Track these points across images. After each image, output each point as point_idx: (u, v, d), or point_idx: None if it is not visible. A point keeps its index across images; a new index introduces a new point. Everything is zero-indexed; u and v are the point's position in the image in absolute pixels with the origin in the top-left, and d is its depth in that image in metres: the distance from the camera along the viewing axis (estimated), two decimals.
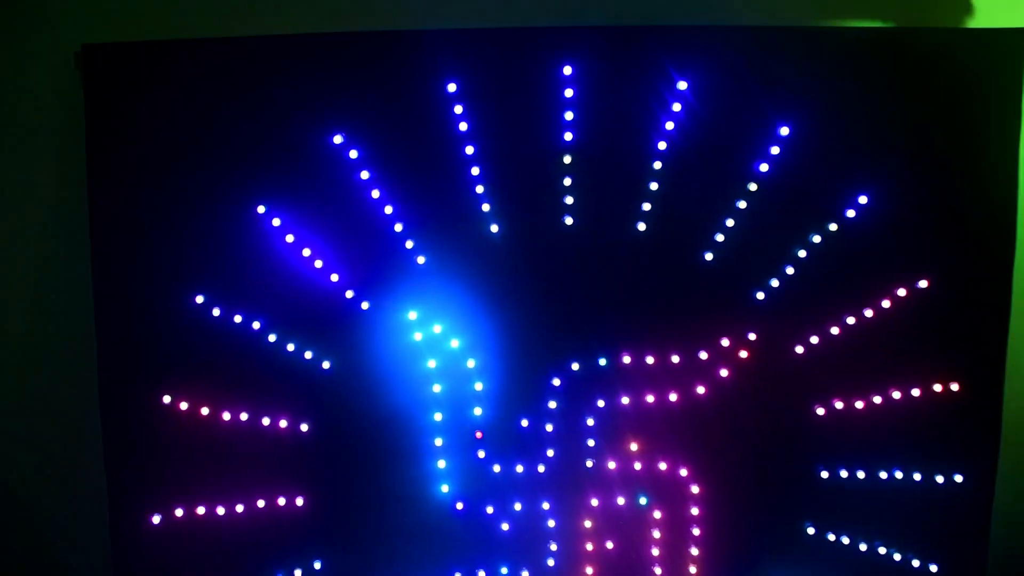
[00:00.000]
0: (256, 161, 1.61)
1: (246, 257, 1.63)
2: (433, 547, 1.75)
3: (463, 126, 1.61)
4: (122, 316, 1.62)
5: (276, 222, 1.63)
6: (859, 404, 1.77)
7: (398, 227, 1.65)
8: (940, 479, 1.79)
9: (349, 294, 1.66)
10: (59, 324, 1.72)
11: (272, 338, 1.66)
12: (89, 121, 1.58)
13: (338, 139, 1.61)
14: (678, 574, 1.81)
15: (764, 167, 1.66)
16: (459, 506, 1.75)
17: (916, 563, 1.82)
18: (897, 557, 1.82)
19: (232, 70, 1.59)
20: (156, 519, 1.65)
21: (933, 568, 1.82)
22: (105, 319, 1.61)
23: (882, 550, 1.82)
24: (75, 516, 1.75)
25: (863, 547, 1.82)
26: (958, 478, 1.78)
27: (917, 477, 1.79)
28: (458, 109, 1.60)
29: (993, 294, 1.72)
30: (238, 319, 1.64)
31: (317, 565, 1.72)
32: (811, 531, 1.82)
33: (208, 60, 1.58)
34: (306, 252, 1.64)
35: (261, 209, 1.62)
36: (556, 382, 1.73)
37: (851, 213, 1.69)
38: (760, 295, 1.72)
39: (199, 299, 1.63)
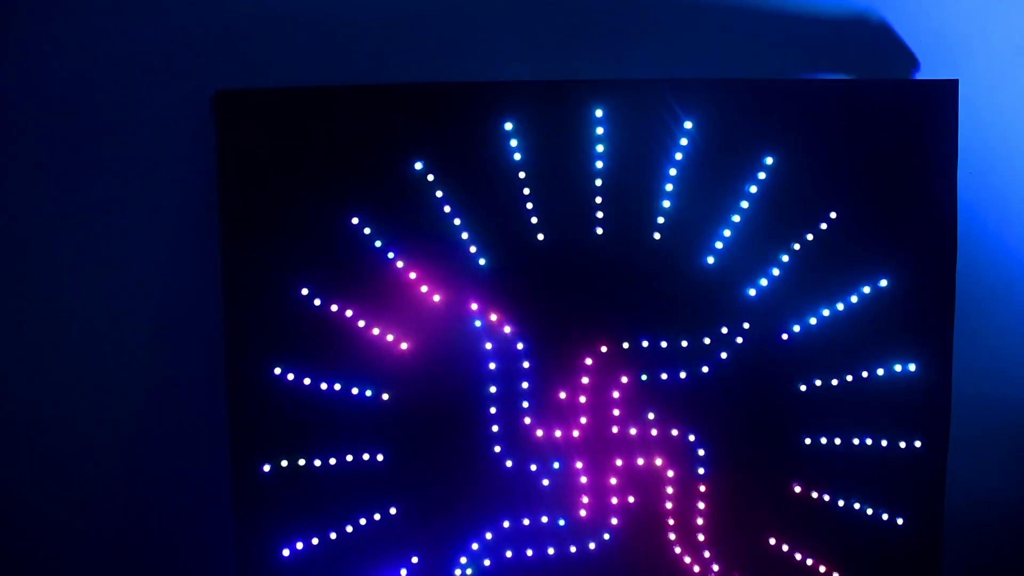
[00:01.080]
0: (352, 183, 2.00)
1: (342, 258, 2.00)
2: (486, 498, 2.08)
3: (517, 156, 2.02)
4: (244, 305, 1.99)
5: (367, 231, 2.03)
6: (834, 382, 2.11)
7: (464, 235, 2.04)
8: (903, 444, 2.14)
9: (424, 289, 2.05)
10: (190, 318, 2.10)
11: (361, 324, 2.04)
12: (221, 151, 1.99)
13: (418, 166, 2.02)
14: (687, 524, 2.15)
15: (753, 189, 2.06)
16: (508, 464, 2.10)
17: (885, 516, 2.15)
18: (869, 511, 2.15)
19: (335, 112, 2.00)
20: (267, 467, 2.03)
21: (899, 520, 2.16)
22: (231, 308, 2.00)
23: (856, 505, 2.16)
24: (198, 467, 2.12)
25: (841, 503, 2.16)
26: (917, 443, 2.13)
27: (884, 443, 2.13)
28: (513, 143, 2.02)
29: (940, 290, 2.08)
30: (334, 308, 2.03)
31: (392, 511, 2.08)
32: (798, 489, 2.15)
33: (317, 104, 1.99)
34: (391, 255, 2.04)
35: (356, 220, 2.02)
36: (588, 361, 2.09)
37: (824, 226, 2.08)
38: (752, 292, 2.09)
39: (304, 291, 2.02)
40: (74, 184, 2.06)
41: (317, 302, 2.02)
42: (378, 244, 2.02)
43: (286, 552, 2.04)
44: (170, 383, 2.10)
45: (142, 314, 2.09)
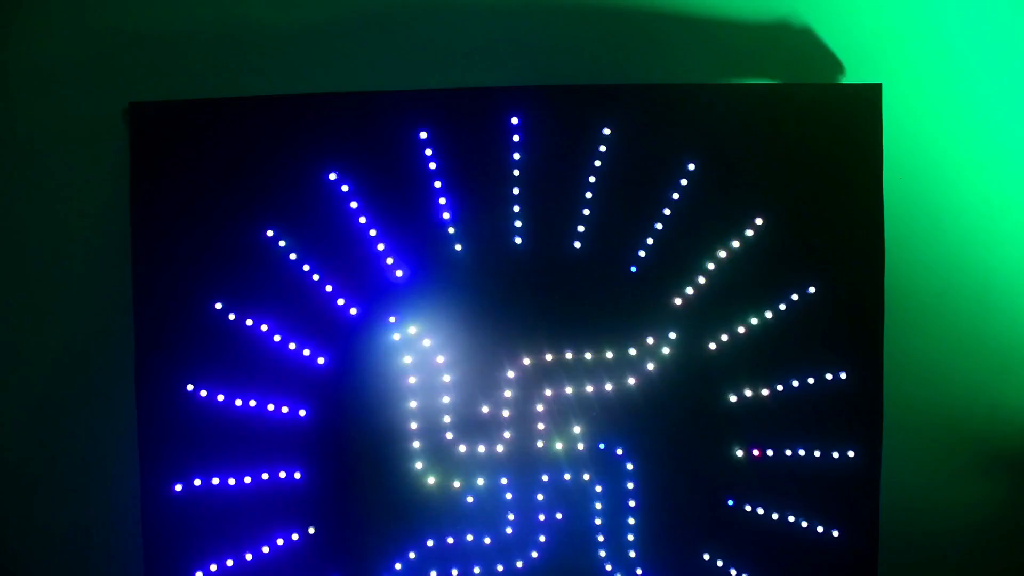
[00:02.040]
0: (266, 194, 1.96)
1: (257, 271, 1.97)
2: (409, 516, 2.03)
3: (432, 165, 1.98)
4: (156, 320, 1.96)
5: (282, 243, 1.99)
6: (764, 392, 2.08)
7: (380, 247, 2.00)
8: (836, 455, 2.09)
9: (340, 301, 2.01)
10: (102, 329, 2.06)
11: (277, 338, 2.00)
12: (134, 162, 1.96)
13: (332, 176, 1.98)
14: (618, 541, 2.11)
15: (676, 195, 2.03)
16: (431, 481, 2.05)
17: (820, 529, 2.12)
18: (804, 524, 2.11)
19: (248, 123, 1.96)
20: (178, 487, 1.97)
21: (835, 533, 2.11)
22: (142, 322, 1.96)
23: (791, 518, 2.12)
24: (110, 488, 2.06)
25: (775, 516, 2.12)
26: (851, 453, 2.09)
27: (817, 454, 2.09)
28: (428, 152, 1.99)
29: (869, 298, 2.05)
30: (249, 322, 1.99)
31: (311, 530, 2.02)
32: (731, 503, 2.11)
33: (230, 115, 1.96)
34: (306, 267, 1.99)
35: (270, 233, 1.98)
36: (511, 374, 2.04)
37: (749, 232, 2.05)
38: (678, 301, 2.06)
39: (218, 306, 1.98)
40: None
41: (231, 316, 1.98)
42: (293, 257, 1.98)
43: (199, 575, 1.98)
44: (80, 399, 2.05)
45: (52, 327, 2.04)
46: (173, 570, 1.97)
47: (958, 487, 2.25)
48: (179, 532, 1.97)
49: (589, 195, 2.00)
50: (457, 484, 2.05)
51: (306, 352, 1.99)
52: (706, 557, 2.11)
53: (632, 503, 2.09)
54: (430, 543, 2.06)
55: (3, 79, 2.00)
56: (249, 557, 2.00)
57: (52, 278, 2.03)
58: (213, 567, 1.99)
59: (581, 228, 2.01)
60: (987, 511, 2.26)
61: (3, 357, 2.05)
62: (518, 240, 2.01)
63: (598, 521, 2.09)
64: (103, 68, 1.99)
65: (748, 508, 2.10)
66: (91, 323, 2.04)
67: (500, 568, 2.08)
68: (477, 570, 2.07)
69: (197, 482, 1.97)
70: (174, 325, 1.96)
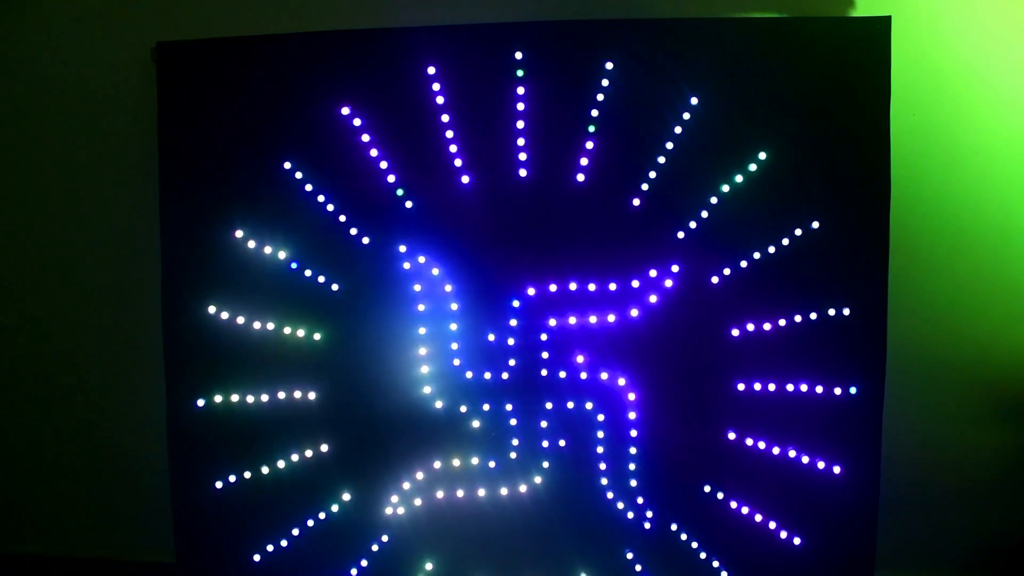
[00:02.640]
0: (283, 129, 2.06)
1: (275, 202, 2.09)
2: (417, 438, 2.13)
3: (440, 100, 2.06)
4: (181, 247, 2.09)
5: (298, 175, 2.09)
6: (767, 326, 2.09)
7: (391, 178, 2.09)
8: (838, 391, 2.10)
9: (353, 231, 2.10)
10: (131, 255, 2.21)
11: (294, 265, 2.11)
12: (161, 99, 2.09)
13: (345, 111, 2.07)
14: (619, 470, 2.17)
15: (678, 129, 2.05)
16: (438, 404, 2.13)
17: (821, 464, 2.13)
18: (805, 460, 2.14)
19: (266, 60, 2.06)
20: (201, 402, 2.12)
21: (836, 469, 2.12)
22: (167, 248, 2.09)
23: (792, 453, 2.14)
24: (137, 402, 2.22)
25: (776, 451, 2.15)
26: (853, 390, 2.09)
27: (819, 390, 2.10)
28: (436, 86, 2.05)
29: (873, 232, 2.04)
30: (268, 250, 2.11)
31: (324, 447, 2.15)
32: (732, 436, 2.14)
33: (250, 53, 2.07)
34: (320, 198, 2.10)
35: (287, 165, 2.09)
36: (516, 303, 2.10)
37: (753, 167, 2.06)
38: (680, 234, 2.09)
39: (238, 234, 2.10)
40: (23, 135, 2.18)
41: (251, 244, 2.09)
42: (308, 188, 2.08)
43: (219, 484, 2.12)
44: (111, 320, 2.20)
45: (86, 254, 2.20)
46: (196, 480, 2.11)
47: (970, 433, 2.23)
48: (201, 445, 2.11)
49: (592, 128, 2.04)
50: (464, 409, 2.13)
51: (321, 279, 2.09)
52: (707, 489, 2.15)
53: (634, 433, 2.14)
54: (437, 465, 2.15)
55: (40, 27, 2.14)
56: (266, 470, 2.12)
57: (85, 208, 2.18)
58: (232, 478, 2.12)
59: (584, 161, 2.05)
60: (1000, 460, 2.24)
61: (43, 279, 2.21)
62: (523, 172, 2.06)
63: (600, 450, 2.14)
64: (133, 9, 2.12)
65: (749, 442, 2.12)
66: (121, 250, 2.18)
67: (504, 492, 2.15)
68: (482, 492, 2.15)
69: (218, 399, 2.10)
70: (198, 252, 2.09)
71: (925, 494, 2.25)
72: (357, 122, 2.06)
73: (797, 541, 2.15)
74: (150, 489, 2.21)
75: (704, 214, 2.07)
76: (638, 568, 2.18)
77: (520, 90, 2.04)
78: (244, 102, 2.07)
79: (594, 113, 2.04)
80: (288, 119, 2.07)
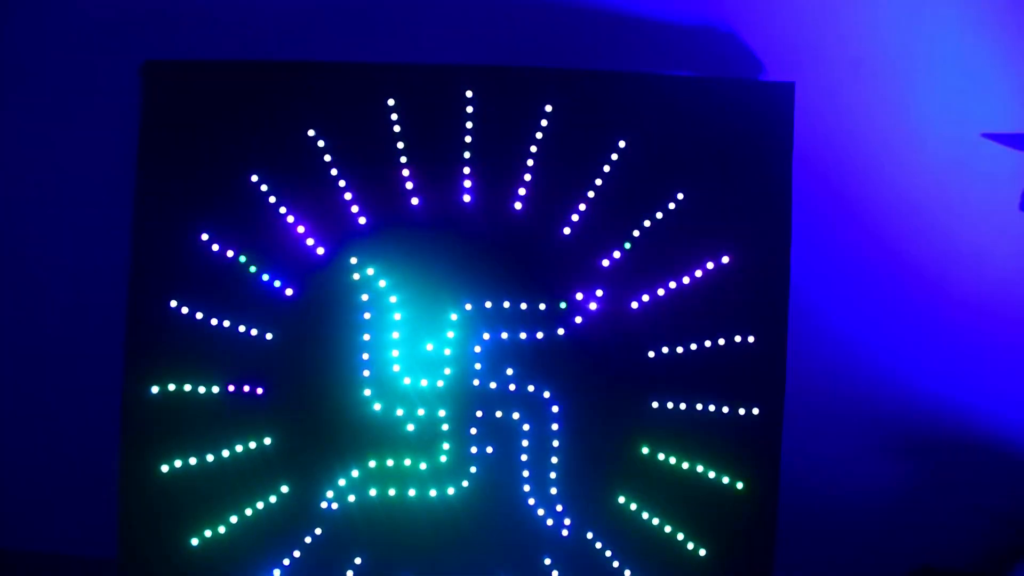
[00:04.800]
0: (255, 145, 2.28)
1: (240, 210, 2.27)
2: (355, 437, 2.28)
3: (396, 128, 2.30)
4: (150, 245, 2.26)
5: (264, 187, 2.30)
6: (680, 350, 2.31)
7: (348, 196, 2.30)
8: (741, 411, 2.30)
9: (310, 242, 2.30)
10: (103, 257, 2.38)
11: (253, 269, 2.30)
12: (144, 112, 2.30)
13: (311, 132, 2.30)
14: (541, 478, 2.32)
15: (607, 168, 2.30)
16: (376, 407, 2.29)
17: (726, 480, 2.32)
18: (712, 475, 2.32)
19: (245, 83, 2.28)
20: (155, 389, 2.27)
21: (739, 485, 2.32)
22: (138, 246, 2.26)
23: (700, 468, 2.33)
24: (94, 385, 2.36)
25: (685, 466, 2.34)
26: (755, 411, 2.30)
27: (725, 409, 2.31)
28: (393, 116, 2.30)
29: (776, 269, 2.28)
30: (230, 253, 2.29)
31: (267, 441, 2.30)
32: (645, 450, 2.33)
33: (230, 75, 2.29)
34: (282, 210, 2.30)
35: (255, 178, 2.31)
36: (453, 316, 2.30)
37: (672, 205, 2.30)
38: (605, 262, 2.30)
39: (204, 236, 2.30)
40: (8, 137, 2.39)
41: (215, 247, 2.29)
42: (272, 200, 2.29)
43: (165, 468, 2.26)
44: (79, 311, 2.37)
45: (57, 254, 2.38)
46: (143, 463, 2.25)
47: (864, 463, 2.44)
48: (152, 429, 2.25)
49: (530, 163, 2.29)
50: (400, 412, 2.29)
51: (277, 283, 2.28)
52: (621, 500, 2.32)
53: (556, 443, 2.31)
54: (372, 464, 2.30)
55: (36, 39, 2.36)
56: (211, 458, 2.26)
57: (64, 211, 2.37)
58: (178, 463, 2.26)
59: (522, 191, 2.29)
60: (894, 490, 2.44)
61: (10, 274, 2.38)
62: (467, 198, 2.29)
63: (524, 457, 2.31)
64: (124, 28, 2.36)
65: (661, 456, 2.31)
66: (93, 247, 2.37)
67: (433, 493, 2.31)
68: (412, 492, 2.30)
69: (172, 387, 2.26)
70: (165, 250, 2.27)
71: (823, 518, 2.44)
72: (321, 144, 2.28)
73: (702, 552, 2.32)
74: (95, 480, 2.33)
75: (627, 245, 2.30)
76: (555, 574, 2.33)
77: (468, 124, 2.29)
78: (221, 120, 2.29)
79: (532, 149, 2.29)
80: (259, 137, 2.29)
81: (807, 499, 2.41)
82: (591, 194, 2.30)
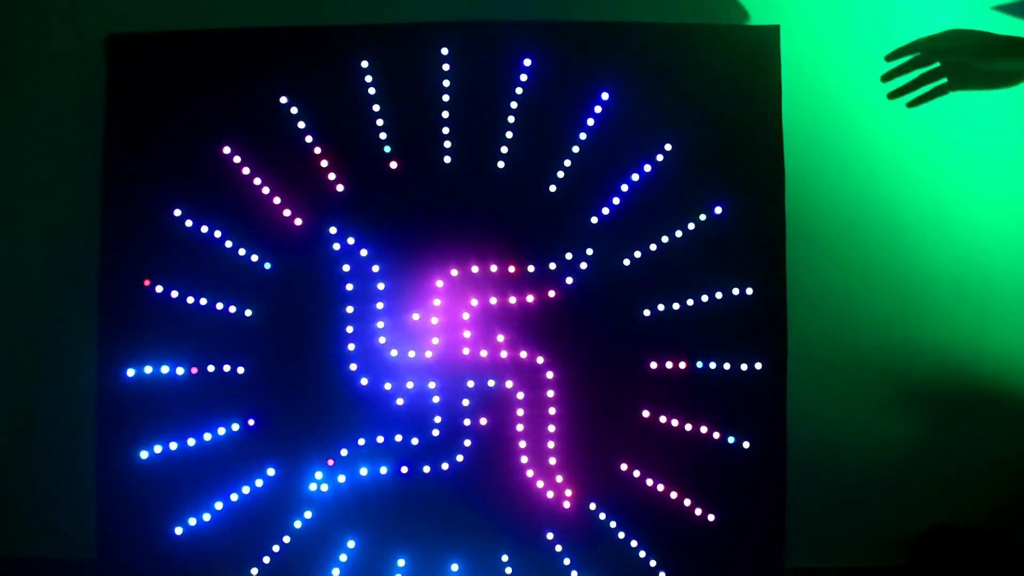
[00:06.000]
0: (226, 116, 2.20)
1: (214, 184, 2.20)
2: (342, 415, 2.19)
3: (371, 91, 2.23)
4: (121, 222, 2.18)
5: (237, 159, 2.23)
6: (676, 306, 2.23)
7: (324, 163, 2.23)
8: (744, 367, 2.23)
9: (287, 213, 2.22)
10: (71, 230, 2.28)
11: (229, 244, 2.22)
12: (111, 85, 2.22)
13: (283, 99, 2.22)
14: (539, 448, 2.24)
15: (591, 122, 2.23)
16: (363, 382, 2.21)
17: (732, 439, 2.23)
18: (716, 435, 2.24)
19: (213, 52, 2.21)
20: (131, 372, 2.17)
21: (745, 444, 2.23)
22: (108, 223, 2.18)
23: (704, 429, 2.24)
24: (68, 370, 2.25)
25: (688, 427, 2.25)
26: (758, 365, 2.22)
27: (727, 366, 2.23)
28: (368, 78, 2.23)
29: (771, 217, 2.21)
30: (204, 228, 2.21)
31: (251, 422, 2.20)
32: (646, 414, 2.24)
33: (197, 45, 2.21)
34: (257, 181, 2.22)
35: (227, 150, 2.23)
36: (440, 284, 2.22)
37: (660, 157, 2.23)
38: (594, 219, 2.23)
39: (177, 212, 2.21)
40: None
41: (189, 223, 2.20)
42: (246, 171, 2.21)
43: (144, 454, 2.15)
44: (46, 289, 2.26)
45: (26, 229, 2.28)
46: (122, 450, 2.14)
47: (872, 419, 2.34)
48: (129, 415, 2.15)
49: (512, 119, 2.21)
50: (388, 387, 2.20)
51: (254, 258, 2.20)
52: (623, 467, 2.22)
53: (553, 411, 2.22)
54: (361, 442, 2.20)
55: None
56: (192, 443, 2.16)
57: (28, 182, 2.26)
58: (158, 448, 2.15)
59: (504, 149, 2.21)
60: (901, 447, 2.35)
61: None
62: (447, 159, 2.21)
63: (520, 428, 2.22)
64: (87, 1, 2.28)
65: (663, 419, 2.22)
66: (61, 224, 2.26)
67: (427, 469, 2.21)
68: (404, 469, 2.21)
69: (148, 369, 2.16)
70: (137, 227, 2.19)
71: (831, 479, 2.34)
72: (294, 111, 2.21)
73: (711, 518, 2.22)
74: (69, 472, 2.22)
75: (616, 201, 2.22)
76: (559, 548, 2.23)
77: (446, 83, 2.21)
78: (190, 90, 2.21)
79: (513, 105, 2.22)
80: (229, 107, 2.21)
81: (815, 458, 2.31)
82: (576, 149, 2.22)
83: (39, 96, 2.27)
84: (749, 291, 2.20)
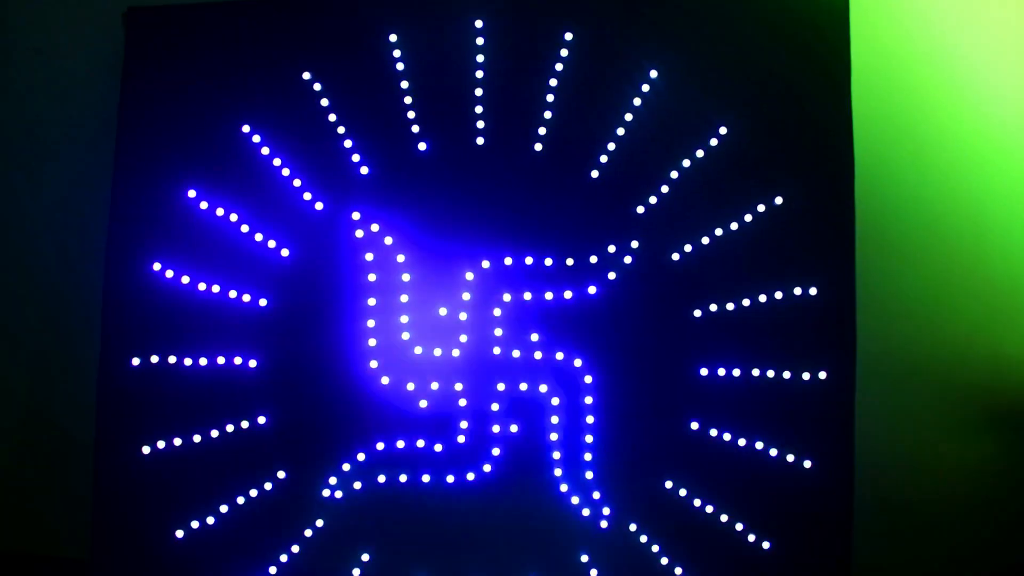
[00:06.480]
0: (245, 92, 2.08)
1: (231, 164, 2.08)
2: (360, 416, 2.02)
3: (400, 66, 2.08)
4: (131, 202, 2.06)
5: (256, 138, 2.09)
6: (730, 306, 2.01)
7: (348, 143, 2.08)
8: (807, 376, 1.98)
9: (307, 196, 2.08)
10: (80, 208, 2.15)
11: (245, 228, 2.07)
12: (127, 60, 2.10)
13: (306, 75, 2.09)
14: (575, 460, 2.03)
15: (637, 101, 2.04)
16: (384, 381, 2.04)
17: (791, 458, 1.99)
18: (773, 452, 2.00)
19: (233, 26, 2.09)
20: (136, 361, 2.03)
21: (807, 463, 1.98)
22: (117, 202, 2.06)
23: (760, 445, 2.00)
24: (68, 362, 2.11)
25: (742, 443, 2.01)
26: (822, 374, 1.98)
27: (787, 375, 1.99)
28: (396, 53, 2.07)
29: (838, 207, 1.97)
30: (220, 211, 2.08)
31: (261, 420, 2.04)
32: (695, 426, 2.01)
33: (217, 19, 2.11)
34: (276, 162, 2.09)
35: (246, 128, 2.09)
36: (469, 276, 2.04)
37: (714, 141, 2.03)
38: (640, 209, 2.03)
39: (191, 193, 2.08)
40: None
41: (204, 205, 2.06)
42: (265, 151, 2.08)
43: (146, 449, 2.00)
44: (54, 267, 2.14)
45: (36, 204, 2.16)
46: (123, 442, 2.00)
47: (948, 443, 2.09)
48: (132, 407, 2.02)
49: (551, 98, 2.04)
50: (411, 387, 2.03)
51: (271, 244, 2.05)
52: (668, 485, 2.00)
53: (591, 419, 2.02)
54: (380, 446, 2.03)
55: None
56: (198, 439, 2.01)
57: (38, 158, 2.15)
58: (161, 444, 2.00)
59: (542, 131, 2.03)
60: (981, 475, 2.08)
61: None
62: (480, 140, 2.05)
63: (554, 437, 2.02)
64: None
65: (713, 432, 2.00)
66: (69, 202, 2.14)
67: (450, 479, 2.02)
68: (426, 478, 2.02)
69: (154, 359, 2.02)
70: (148, 208, 2.07)
71: (900, 508, 2.08)
72: (317, 87, 2.07)
73: (766, 545, 1.98)
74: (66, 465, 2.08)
75: (664, 188, 2.02)
76: (593, 573, 2.01)
77: (479, 58, 2.05)
78: (208, 67, 2.10)
79: (552, 83, 2.04)
80: (250, 83, 2.09)
81: (885, 482, 2.05)
82: (621, 132, 2.03)
83: (53, 70, 2.18)
84: (813, 291, 1.97)
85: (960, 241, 2.09)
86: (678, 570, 2.00)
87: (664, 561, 2.00)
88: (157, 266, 2.05)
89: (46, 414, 2.13)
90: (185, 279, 2.05)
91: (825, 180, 1.99)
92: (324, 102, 2.07)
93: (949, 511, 2.09)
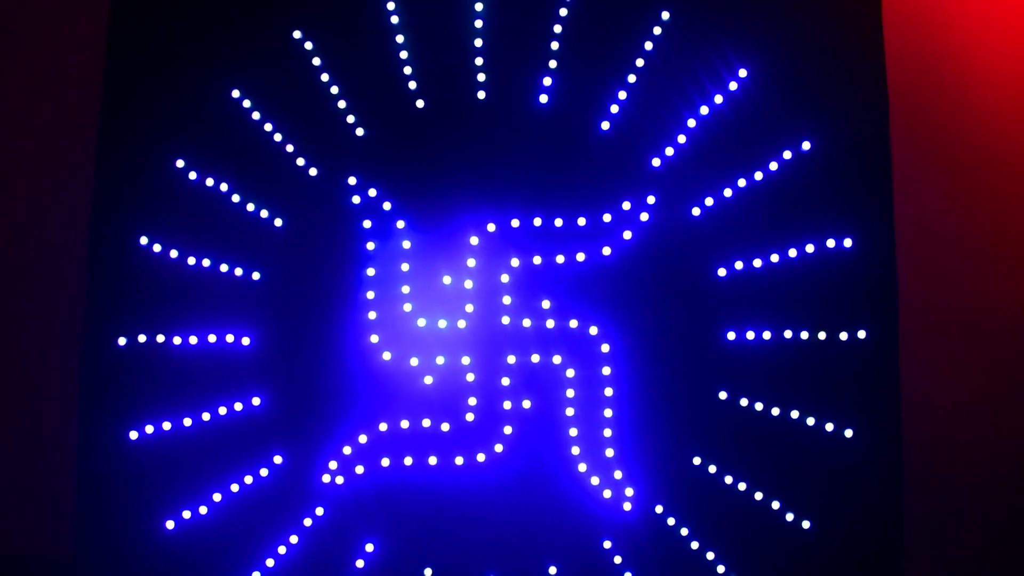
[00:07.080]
0: (234, 55, 1.96)
1: (221, 131, 1.96)
2: (362, 395, 1.89)
3: (394, 19, 1.95)
4: (116, 173, 1.94)
5: (247, 103, 1.97)
6: (758, 263, 1.86)
7: (342, 104, 1.95)
8: (844, 336, 1.82)
9: (300, 162, 1.95)
10: (56, 193, 2.03)
11: (236, 198, 1.96)
12: (112, 24, 1.98)
13: (297, 34, 1.97)
14: (593, 437, 1.88)
15: (649, 45, 1.89)
16: (386, 356, 1.91)
17: (830, 427, 1.82)
18: (811, 422, 1.83)
19: None
20: (122, 341, 1.91)
21: (848, 433, 1.81)
22: (101, 173, 1.94)
23: (796, 414, 1.83)
24: (52, 334, 1.97)
25: (776, 412, 1.84)
26: (861, 334, 1.81)
27: (822, 336, 1.83)
28: (391, 5, 1.95)
29: (873, 151, 1.83)
30: (209, 181, 1.96)
31: (256, 401, 1.90)
32: (723, 396, 1.85)
33: None
34: (268, 127, 1.96)
35: (236, 92, 1.97)
36: (474, 241, 1.91)
37: (734, 85, 1.88)
38: (656, 161, 1.89)
39: (180, 163, 1.96)
40: None
41: (192, 175, 1.95)
42: (256, 116, 1.96)
43: (133, 435, 1.88)
44: (35, 243, 2.01)
45: (20, 172, 2.03)
46: (107, 428, 1.87)
47: (1005, 400, 1.89)
48: (118, 389, 1.89)
49: (555, 45, 1.91)
50: (414, 362, 1.89)
51: (264, 213, 1.94)
52: (696, 461, 1.85)
53: (609, 392, 1.88)
54: (383, 427, 1.89)
55: None
56: (189, 423, 1.88)
57: (18, 125, 2.03)
58: (149, 428, 1.88)
59: (548, 81, 1.91)
60: None
61: None
62: (481, 95, 1.92)
63: (570, 412, 1.87)
64: None
65: (744, 402, 1.84)
66: (51, 171, 2.02)
67: (459, 460, 1.88)
68: (433, 461, 1.87)
69: (142, 338, 1.90)
70: (134, 179, 1.96)
71: (948, 481, 1.88)
72: (309, 46, 1.96)
73: (806, 524, 1.81)
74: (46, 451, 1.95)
75: (681, 139, 1.89)
76: (617, 560, 1.84)
77: (478, 6, 1.92)
78: (196, 29, 1.99)
79: (557, 29, 1.92)
80: (239, 44, 1.99)
81: (934, 453, 1.86)
82: (632, 79, 1.90)
83: (35, 31, 2.05)
84: (848, 243, 1.82)
85: (1013, 185, 1.90)
86: (710, 555, 1.83)
87: (695, 545, 1.84)
88: (144, 240, 1.93)
89: (21, 398, 1.99)
90: (173, 253, 1.93)
91: (858, 121, 1.84)
92: (316, 61, 1.96)
93: (1002, 479, 1.88)
